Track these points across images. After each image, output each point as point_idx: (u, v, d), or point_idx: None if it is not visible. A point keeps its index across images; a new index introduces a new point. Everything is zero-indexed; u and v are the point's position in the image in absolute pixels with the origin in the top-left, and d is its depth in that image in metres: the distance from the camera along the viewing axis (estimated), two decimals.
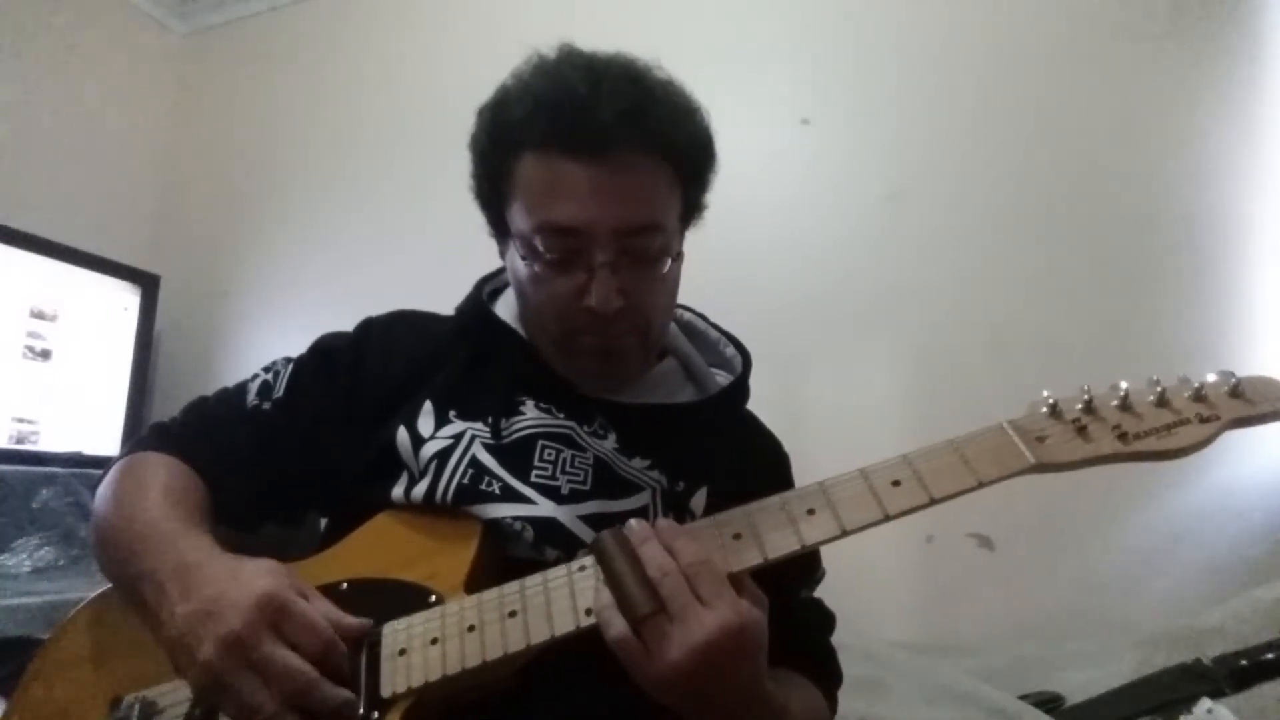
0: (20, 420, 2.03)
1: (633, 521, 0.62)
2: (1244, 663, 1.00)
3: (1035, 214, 1.68)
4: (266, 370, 0.86)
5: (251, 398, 0.84)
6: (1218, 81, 1.57)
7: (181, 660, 0.61)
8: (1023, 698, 1.13)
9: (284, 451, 0.81)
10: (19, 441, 2.02)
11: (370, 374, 0.83)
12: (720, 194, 0.84)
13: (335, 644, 0.61)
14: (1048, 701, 1.13)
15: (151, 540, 0.69)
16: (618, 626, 0.57)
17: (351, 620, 0.64)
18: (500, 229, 0.81)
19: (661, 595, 0.57)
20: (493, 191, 0.79)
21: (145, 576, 0.67)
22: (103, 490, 0.78)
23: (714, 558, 0.60)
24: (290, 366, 0.86)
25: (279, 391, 0.84)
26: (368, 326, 0.89)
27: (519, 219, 0.75)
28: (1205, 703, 0.95)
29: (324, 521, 0.85)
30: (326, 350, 0.87)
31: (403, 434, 0.77)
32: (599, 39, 0.78)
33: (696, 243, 0.85)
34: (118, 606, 0.74)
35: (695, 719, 0.60)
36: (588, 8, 2.06)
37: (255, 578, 0.62)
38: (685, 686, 0.56)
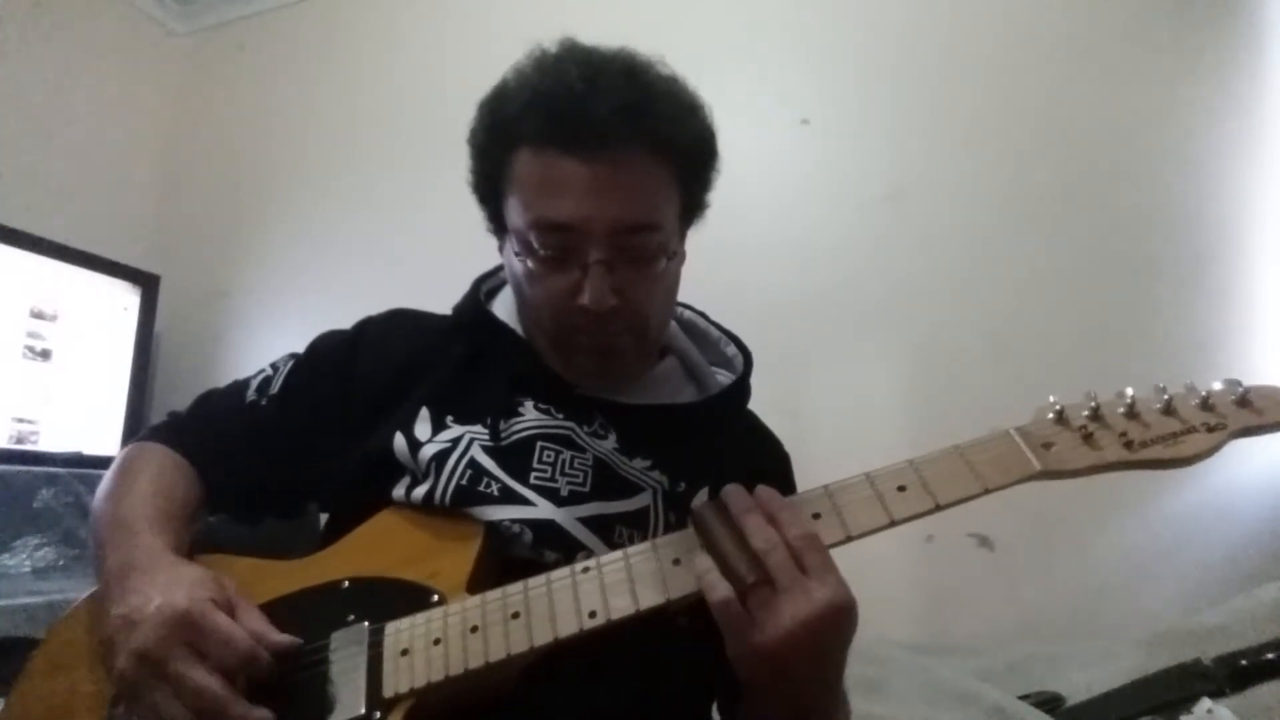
0: (20, 420, 2.03)
1: (731, 488, 0.63)
2: (1244, 663, 1.00)
3: (1035, 214, 1.68)
4: (272, 366, 0.88)
5: (251, 393, 0.85)
6: (1218, 80, 1.57)
7: (108, 661, 0.63)
8: (1023, 698, 1.12)
9: (277, 448, 0.82)
10: (19, 441, 2.01)
11: (365, 372, 0.83)
12: (720, 194, 0.83)
13: (255, 657, 0.61)
14: (1048, 701, 1.13)
15: (119, 533, 0.70)
16: (722, 590, 0.57)
17: (278, 636, 0.64)
18: (498, 225, 0.81)
19: (768, 566, 0.57)
20: (490, 187, 0.79)
21: (102, 571, 0.69)
22: (103, 480, 0.80)
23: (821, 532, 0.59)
24: (289, 364, 0.87)
25: (275, 388, 0.85)
26: (365, 325, 0.89)
27: (515, 215, 0.75)
28: (1205, 703, 0.95)
29: (324, 517, 0.85)
30: (323, 349, 0.88)
31: (399, 440, 0.76)
32: (597, 39, 0.77)
33: (696, 242, 0.85)
34: None
35: (779, 697, 0.60)
36: (586, 9, 2.05)
37: (177, 590, 0.63)
38: (786, 659, 0.56)
